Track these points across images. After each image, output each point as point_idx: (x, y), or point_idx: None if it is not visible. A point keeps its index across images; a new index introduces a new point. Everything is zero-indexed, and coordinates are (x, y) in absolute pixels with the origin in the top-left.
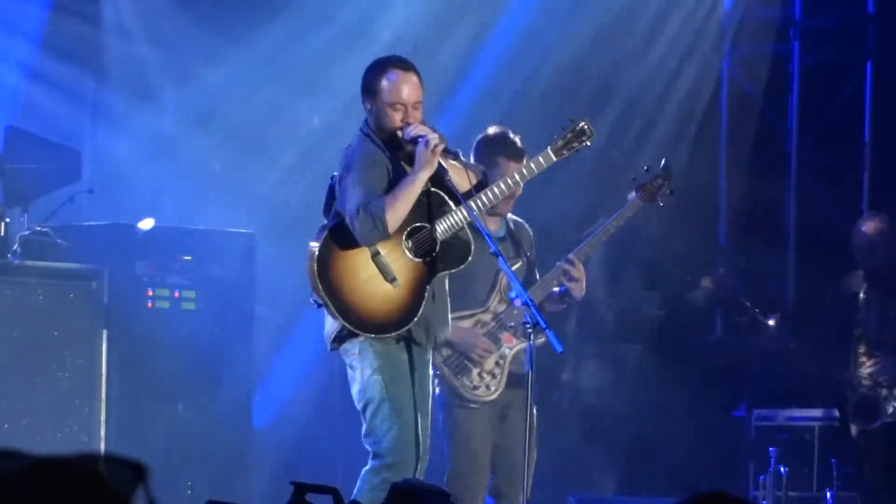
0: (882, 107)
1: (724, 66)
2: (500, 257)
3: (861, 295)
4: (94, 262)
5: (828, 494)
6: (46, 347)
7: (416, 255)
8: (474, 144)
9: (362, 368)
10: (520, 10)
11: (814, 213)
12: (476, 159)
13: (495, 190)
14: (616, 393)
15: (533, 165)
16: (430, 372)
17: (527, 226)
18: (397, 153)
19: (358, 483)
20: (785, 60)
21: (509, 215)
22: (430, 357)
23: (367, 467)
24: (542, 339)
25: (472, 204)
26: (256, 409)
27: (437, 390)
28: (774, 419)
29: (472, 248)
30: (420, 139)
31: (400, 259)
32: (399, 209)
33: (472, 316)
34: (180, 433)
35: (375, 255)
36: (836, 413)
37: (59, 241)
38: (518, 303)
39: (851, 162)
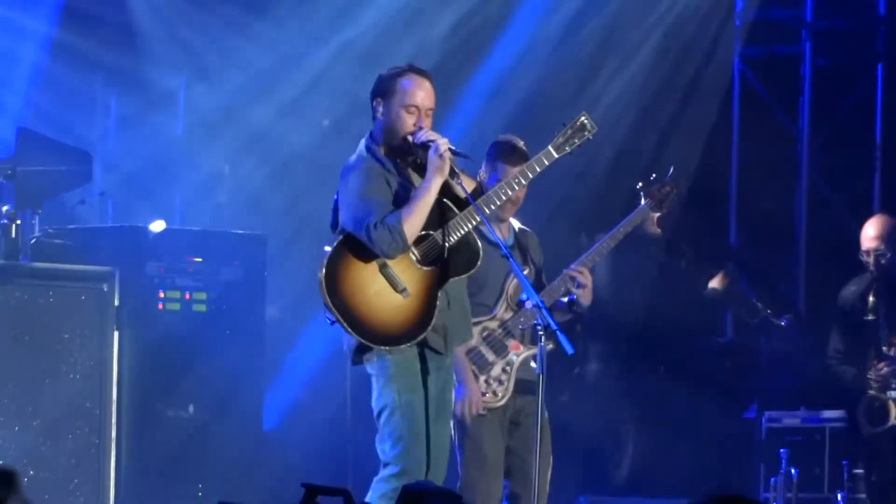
0: (893, 108)
1: (736, 68)
2: (510, 259)
3: (870, 296)
4: (104, 264)
5: (838, 496)
6: (57, 349)
7: (423, 264)
8: (487, 152)
9: (377, 376)
10: (530, 10)
11: (824, 214)
12: (488, 166)
13: (500, 192)
14: (626, 394)
15: (535, 164)
16: (453, 378)
17: (533, 234)
18: (398, 164)
19: (369, 492)
20: (796, 62)
21: (516, 223)
22: (451, 362)
23: (379, 475)
24: (550, 346)
25: (483, 209)
26: (267, 410)
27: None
28: (785, 421)
29: (481, 252)
30: (431, 144)
31: (408, 269)
32: (415, 219)
33: (478, 324)
34: (191, 435)
35: (383, 268)
36: (846, 415)
37: (70, 243)
38: (529, 305)
39: (862, 163)
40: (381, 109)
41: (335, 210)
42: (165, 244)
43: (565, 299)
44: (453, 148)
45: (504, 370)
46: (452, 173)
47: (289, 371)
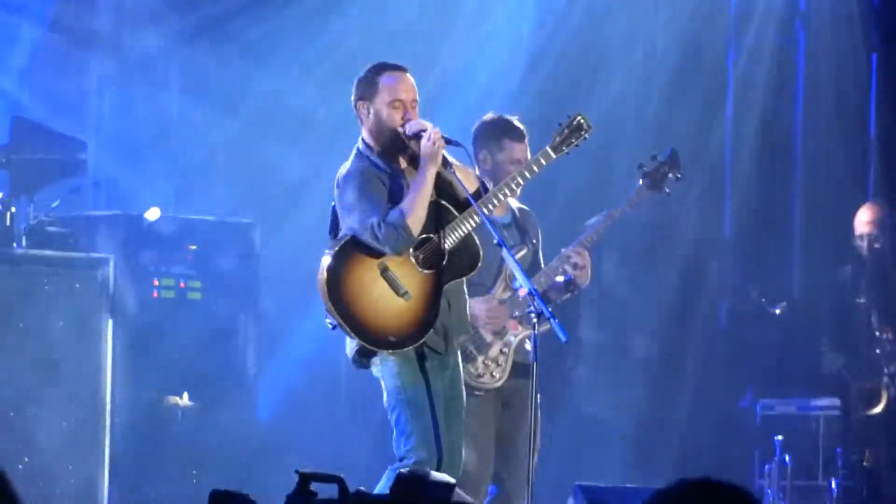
0: (887, 98)
1: (730, 58)
2: (504, 248)
3: (863, 283)
4: (99, 251)
5: (833, 483)
6: (52, 337)
7: (424, 267)
8: (475, 132)
9: (384, 377)
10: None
11: (819, 202)
12: (478, 146)
13: (498, 193)
14: (621, 382)
15: (534, 166)
16: (460, 373)
17: (532, 213)
18: (394, 164)
19: (381, 481)
20: (790, 52)
21: (515, 203)
22: (457, 359)
23: (392, 466)
24: (546, 327)
25: (482, 208)
26: (261, 397)
27: None
28: (780, 408)
29: (481, 254)
30: (422, 134)
31: (409, 272)
32: (417, 211)
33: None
34: (185, 422)
35: (385, 271)
36: (841, 402)
37: (65, 230)
38: (523, 292)
39: (857, 153)
40: (366, 112)
41: (333, 216)
42: (160, 232)
43: (561, 279)
44: (445, 136)
45: (502, 351)
46: (445, 163)
47: (283, 359)
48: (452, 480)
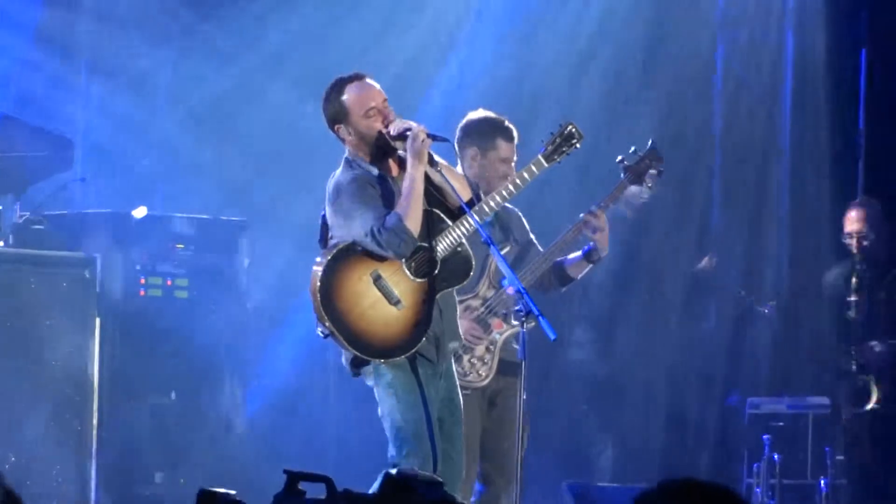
0: (875, 93)
1: (719, 54)
2: (492, 246)
3: (853, 281)
4: (86, 250)
5: (822, 482)
6: (39, 335)
7: (417, 276)
8: (464, 129)
9: (377, 385)
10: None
11: (808, 199)
12: (468, 143)
13: (490, 202)
14: (610, 381)
15: (526, 175)
16: (455, 382)
17: (517, 210)
18: (382, 169)
19: (374, 485)
20: (779, 47)
21: None
22: (450, 366)
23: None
24: (533, 324)
25: (476, 216)
26: (249, 397)
27: None
28: (768, 407)
29: (473, 263)
30: (407, 133)
31: (402, 281)
32: (413, 212)
33: (461, 302)
34: (173, 421)
35: (377, 280)
36: (829, 401)
37: (52, 229)
38: (510, 290)
39: (845, 149)
40: (346, 133)
41: (323, 226)
42: (147, 230)
43: (578, 254)
44: (430, 132)
45: (488, 349)
46: (432, 161)
47: (271, 357)
48: (440, 479)
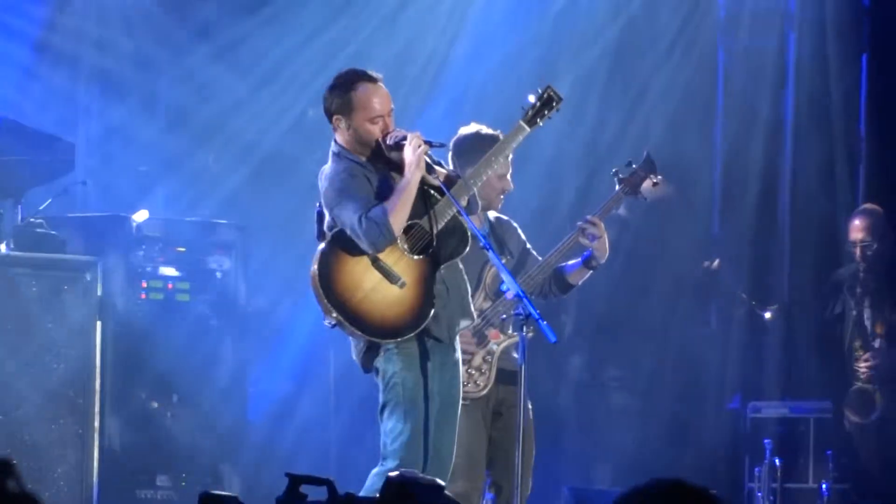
0: (877, 99)
1: (720, 59)
2: (490, 251)
3: (857, 287)
4: (88, 253)
5: (823, 486)
6: (41, 339)
7: (414, 253)
8: (457, 146)
9: (385, 370)
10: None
11: (809, 205)
12: (463, 161)
13: (480, 173)
14: (610, 385)
15: (510, 140)
16: (460, 373)
17: (513, 223)
18: (377, 163)
19: (367, 482)
20: (781, 53)
21: (492, 213)
22: (458, 356)
23: (375, 469)
24: (531, 333)
25: (464, 197)
26: (251, 400)
27: None
28: (770, 411)
29: (469, 233)
30: (403, 143)
31: (401, 260)
32: (400, 212)
33: None
34: (174, 424)
35: (375, 262)
36: (831, 405)
37: (53, 232)
38: (510, 295)
39: (847, 154)
40: (344, 126)
41: (319, 220)
42: (149, 234)
43: (578, 261)
44: (427, 139)
45: (485, 360)
46: (429, 168)
47: (272, 361)
48: (442, 483)
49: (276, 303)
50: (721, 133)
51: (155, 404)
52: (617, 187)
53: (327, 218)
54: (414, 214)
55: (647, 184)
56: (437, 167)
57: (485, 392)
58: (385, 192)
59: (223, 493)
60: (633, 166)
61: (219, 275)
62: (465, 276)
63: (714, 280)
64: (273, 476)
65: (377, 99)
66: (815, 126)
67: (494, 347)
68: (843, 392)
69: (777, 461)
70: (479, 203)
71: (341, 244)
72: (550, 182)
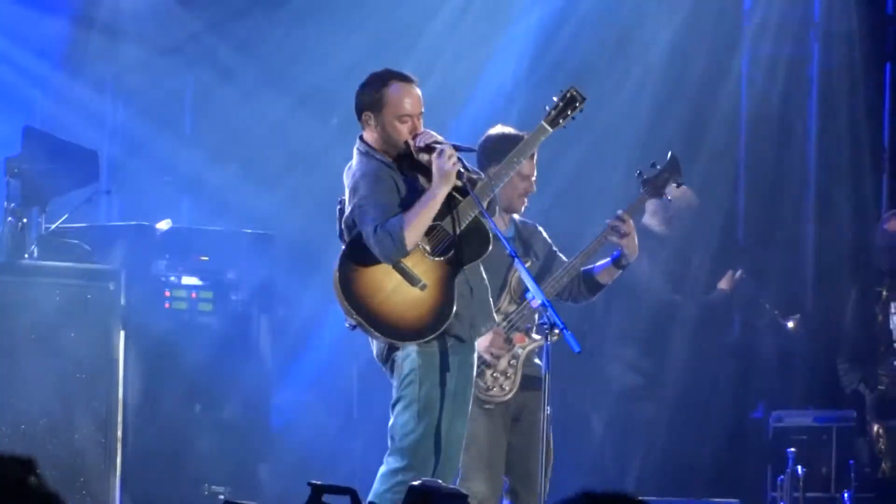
0: None
1: (743, 68)
2: (516, 259)
3: (883, 293)
4: (111, 262)
5: (845, 495)
6: (63, 348)
7: (435, 255)
8: (484, 146)
9: (402, 364)
10: (536, 9)
11: (832, 214)
12: (488, 161)
13: (501, 174)
14: (635, 394)
15: (532, 141)
16: (474, 373)
17: (539, 227)
18: (403, 164)
19: (375, 484)
20: (804, 62)
21: (517, 216)
22: (476, 357)
23: (385, 468)
24: (556, 338)
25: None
26: (274, 410)
27: None
28: (792, 420)
29: (490, 234)
30: (435, 148)
31: (421, 262)
32: (418, 226)
33: None
34: (198, 434)
35: (396, 264)
36: (854, 414)
37: (77, 241)
38: (535, 304)
39: (870, 164)
40: (373, 123)
41: (341, 216)
42: (172, 243)
43: (607, 260)
44: (458, 146)
45: (510, 363)
46: (459, 175)
47: (295, 370)
48: (465, 493)
49: (299, 312)
50: (745, 142)
51: (178, 413)
52: (641, 189)
53: (346, 214)
54: (436, 216)
55: (670, 185)
56: (465, 171)
57: (510, 396)
58: (411, 196)
59: (246, 502)
60: (658, 167)
61: (242, 284)
62: (486, 278)
63: (738, 290)
64: (296, 485)
65: (409, 99)
66: (839, 135)
67: (520, 351)
68: (867, 398)
69: (800, 470)
70: (498, 204)
71: (362, 246)
72: (570, 185)
